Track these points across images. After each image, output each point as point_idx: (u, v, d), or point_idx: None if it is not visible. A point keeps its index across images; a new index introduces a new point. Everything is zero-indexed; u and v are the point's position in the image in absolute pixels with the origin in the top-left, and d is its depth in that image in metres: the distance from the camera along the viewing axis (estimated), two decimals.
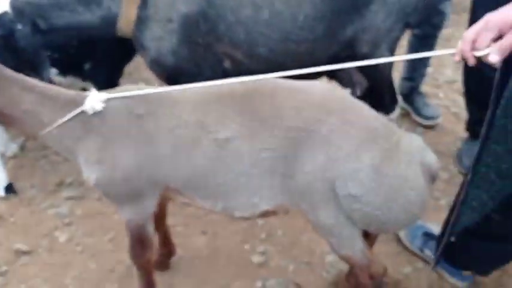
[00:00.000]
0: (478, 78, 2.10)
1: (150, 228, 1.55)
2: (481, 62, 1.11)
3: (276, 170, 1.36)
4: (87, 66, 2.24)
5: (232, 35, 1.87)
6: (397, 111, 2.37)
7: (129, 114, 1.38)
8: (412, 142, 1.34)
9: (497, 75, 1.29)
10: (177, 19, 1.83)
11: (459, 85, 3.34)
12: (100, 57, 2.22)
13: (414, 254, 2.01)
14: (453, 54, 1.15)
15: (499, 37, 1.07)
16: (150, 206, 1.49)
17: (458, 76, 3.44)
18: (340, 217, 1.36)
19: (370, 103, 2.48)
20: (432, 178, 1.37)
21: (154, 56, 1.88)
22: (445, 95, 3.28)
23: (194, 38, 1.85)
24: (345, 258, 1.49)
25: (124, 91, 1.40)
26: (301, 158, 1.32)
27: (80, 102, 1.38)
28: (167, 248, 1.88)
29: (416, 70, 2.90)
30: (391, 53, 2.17)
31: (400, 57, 1.39)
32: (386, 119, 1.40)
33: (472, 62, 1.10)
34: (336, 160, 1.29)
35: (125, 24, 1.85)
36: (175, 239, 1.92)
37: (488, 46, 1.07)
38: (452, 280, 1.90)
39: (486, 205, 1.51)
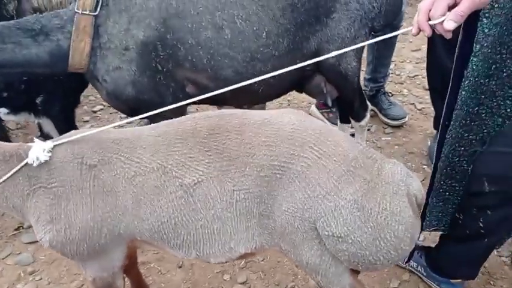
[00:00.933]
0: (441, 75, 2.02)
1: (120, 283, 1.36)
2: (441, 36, 1.06)
3: (252, 211, 1.18)
4: (39, 100, 1.99)
5: (194, 59, 1.67)
6: (368, 118, 2.22)
7: (80, 164, 1.17)
8: (395, 169, 1.17)
9: (455, 63, 1.24)
10: (134, 47, 1.62)
11: (421, 79, 3.24)
12: (52, 89, 1.96)
13: (400, 267, 1.87)
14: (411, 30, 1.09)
15: (455, 5, 1.02)
16: (117, 260, 1.29)
17: (419, 70, 3.34)
18: (325, 255, 1.19)
19: (342, 112, 2.39)
20: (419, 207, 1.22)
21: (111, 88, 1.66)
22: (409, 90, 3.16)
23: (154, 65, 1.65)
24: None
25: (72, 136, 1.20)
26: (278, 196, 1.15)
27: (23, 154, 1.17)
28: None
29: (378, 71, 2.76)
30: (359, 60, 2.01)
31: (354, 46, 1.27)
32: (363, 145, 1.23)
33: (428, 32, 1.05)
34: (315, 198, 1.12)
35: (77, 57, 1.61)
36: (150, 277, 1.72)
37: (444, 14, 1.02)
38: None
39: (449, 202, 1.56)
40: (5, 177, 1.17)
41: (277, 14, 1.72)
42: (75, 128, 2.07)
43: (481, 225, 1.51)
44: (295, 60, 1.82)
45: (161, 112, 1.30)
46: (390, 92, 2.95)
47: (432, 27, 1.05)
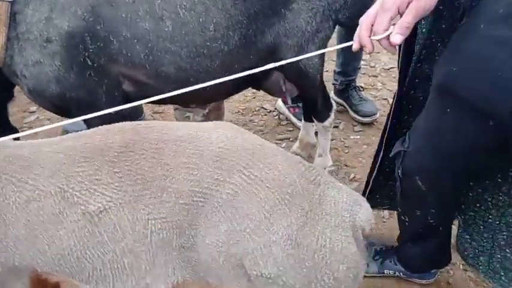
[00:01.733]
0: None
1: None
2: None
3: (171, 243, 0.98)
4: None
5: (130, 53, 1.44)
6: (332, 118, 2.02)
7: None
8: (339, 197, 0.98)
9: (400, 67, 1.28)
10: (57, 38, 1.38)
11: (397, 72, 3.04)
12: None
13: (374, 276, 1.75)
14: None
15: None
16: None
17: (395, 62, 3.14)
18: None
19: (304, 109, 2.18)
20: (366, 239, 1.03)
21: (32, 85, 1.42)
22: (383, 84, 2.97)
23: (82, 60, 1.41)
24: None
25: None
26: (200, 227, 0.95)
27: None
28: None
29: (349, 64, 2.55)
30: (323, 56, 1.80)
31: (302, 57, 1.08)
32: (306, 164, 1.03)
33: (369, 48, 0.98)
34: (242, 232, 0.92)
35: None
36: None
37: (387, 29, 0.95)
38: (423, 281, 1.74)
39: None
40: None
41: (227, 4, 1.49)
42: (10, 125, 1.82)
43: (431, 220, 1.43)
44: (249, 56, 1.60)
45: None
46: (361, 86, 2.75)
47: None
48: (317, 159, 2.17)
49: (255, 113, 2.81)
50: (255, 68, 1.69)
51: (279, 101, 2.72)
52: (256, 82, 1.81)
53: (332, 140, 2.56)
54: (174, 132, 1.00)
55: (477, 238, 1.50)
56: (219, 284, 1.02)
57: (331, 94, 2.88)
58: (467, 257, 1.57)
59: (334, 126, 2.67)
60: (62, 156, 0.98)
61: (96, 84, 1.46)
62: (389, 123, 1.44)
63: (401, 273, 1.73)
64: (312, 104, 1.93)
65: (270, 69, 1.74)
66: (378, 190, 1.64)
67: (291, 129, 2.62)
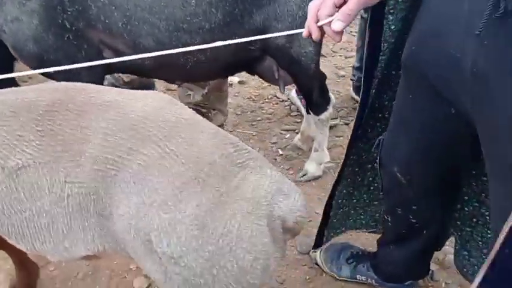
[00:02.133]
0: None
1: None
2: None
3: (88, 209, 0.96)
4: None
5: (107, 20, 1.43)
6: (329, 112, 1.93)
7: None
8: (261, 183, 0.92)
9: (364, 65, 1.22)
10: None
11: None
12: None
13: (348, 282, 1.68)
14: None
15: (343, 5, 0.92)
16: None
17: None
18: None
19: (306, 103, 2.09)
20: (291, 232, 0.96)
21: (11, 42, 1.45)
22: None
23: (60, 22, 1.42)
24: None
25: None
26: (115, 197, 0.92)
27: None
28: (26, 269, 1.51)
29: None
30: (318, 45, 1.72)
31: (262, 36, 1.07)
32: (239, 146, 0.97)
33: (315, 35, 0.96)
34: (150, 206, 0.88)
35: None
36: None
37: (331, 15, 0.92)
38: None
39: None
40: None
41: None
42: (15, 83, 1.87)
43: (413, 220, 1.36)
44: (233, 37, 1.55)
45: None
46: None
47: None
48: (312, 154, 2.09)
49: (266, 100, 2.75)
50: (244, 51, 1.65)
51: (293, 91, 2.65)
52: (248, 66, 1.76)
53: (339, 136, 2.47)
54: (101, 96, 0.97)
55: (476, 254, 1.42)
56: (137, 258, 0.99)
57: (350, 90, 2.78)
58: (467, 274, 1.48)
59: (345, 123, 2.57)
60: None
61: (75, 48, 1.47)
62: (352, 133, 1.41)
63: (373, 281, 1.64)
64: (306, 95, 1.86)
65: (262, 54, 1.71)
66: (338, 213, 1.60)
67: (299, 121, 2.54)
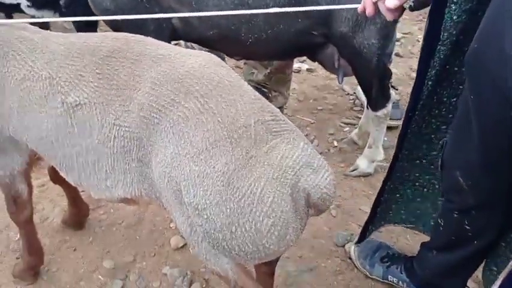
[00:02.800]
0: None
1: (22, 187, 1.31)
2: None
3: (131, 154, 1.03)
4: (62, 1, 1.95)
5: None
6: (387, 110, 1.88)
7: None
8: (290, 153, 0.93)
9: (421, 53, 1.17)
10: None
11: None
12: None
13: (380, 282, 1.64)
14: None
15: None
16: (16, 163, 1.24)
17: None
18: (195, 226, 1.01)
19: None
20: (316, 209, 0.97)
21: None
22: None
23: None
24: (215, 274, 1.14)
25: None
26: (155, 145, 0.99)
27: None
28: (77, 207, 1.64)
29: None
30: (382, 38, 1.66)
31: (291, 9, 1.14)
32: (278, 116, 0.99)
33: (369, 10, 1.01)
34: (184, 156, 0.94)
35: None
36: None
37: None
38: None
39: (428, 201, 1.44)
40: None
41: None
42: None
43: (468, 227, 1.29)
44: (296, 19, 1.57)
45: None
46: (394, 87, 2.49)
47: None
48: (366, 150, 2.05)
49: (331, 91, 2.73)
50: (307, 35, 1.65)
51: (359, 87, 2.60)
52: (310, 52, 1.76)
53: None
54: (156, 49, 1.03)
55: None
56: (168, 208, 1.05)
57: None
58: None
59: None
60: (62, 48, 1.08)
61: (148, 11, 1.55)
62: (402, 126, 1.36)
63: (405, 284, 1.59)
64: (365, 89, 1.83)
65: (324, 41, 1.70)
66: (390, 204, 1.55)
67: (361, 116, 2.50)
